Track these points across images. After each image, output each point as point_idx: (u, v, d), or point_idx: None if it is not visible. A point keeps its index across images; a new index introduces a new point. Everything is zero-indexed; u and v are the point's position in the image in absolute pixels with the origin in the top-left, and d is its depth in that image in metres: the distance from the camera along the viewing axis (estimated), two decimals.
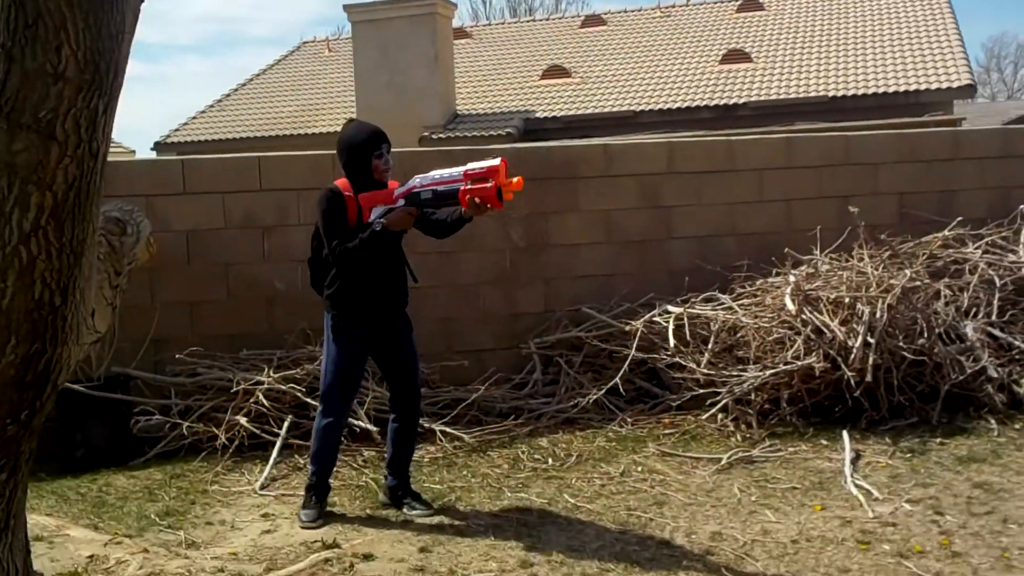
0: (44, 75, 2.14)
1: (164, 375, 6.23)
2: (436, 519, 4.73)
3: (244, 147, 18.23)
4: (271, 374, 5.99)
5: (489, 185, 4.25)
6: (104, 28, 2.20)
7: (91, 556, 4.36)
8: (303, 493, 4.93)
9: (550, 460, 5.62)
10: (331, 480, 4.95)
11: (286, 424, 5.83)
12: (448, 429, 6.02)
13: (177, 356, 6.12)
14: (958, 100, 16.93)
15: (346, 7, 17.62)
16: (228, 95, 21.71)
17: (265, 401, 5.82)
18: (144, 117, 62.49)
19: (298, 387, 5.92)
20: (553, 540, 4.38)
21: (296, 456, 5.77)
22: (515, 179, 4.31)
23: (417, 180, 4.45)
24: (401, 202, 4.47)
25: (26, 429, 2.60)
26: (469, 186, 4.28)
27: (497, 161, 4.29)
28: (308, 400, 5.87)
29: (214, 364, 6.22)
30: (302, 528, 4.69)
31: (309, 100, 20.46)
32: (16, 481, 2.70)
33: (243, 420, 5.82)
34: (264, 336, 6.52)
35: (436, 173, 4.42)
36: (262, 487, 5.35)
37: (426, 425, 6.04)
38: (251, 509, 5.06)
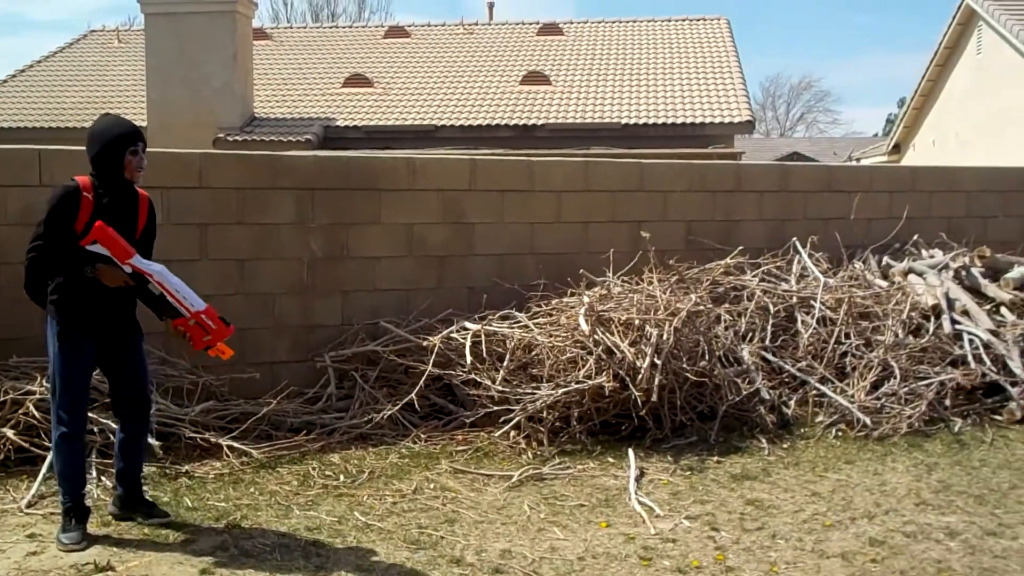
0: None
1: None
2: (219, 539, 4.53)
3: (24, 138, 17.02)
4: (44, 383, 5.57)
5: (207, 338, 4.49)
6: None
7: None
8: (61, 516, 4.61)
9: (342, 477, 5.52)
10: (88, 500, 4.69)
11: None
12: (235, 444, 5.80)
13: None
14: (738, 134, 18.02)
15: None
16: (5, 80, 20.21)
17: (36, 412, 5.41)
18: None
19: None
20: (342, 560, 4.30)
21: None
22: (227, 351, 4.62)
23: (158, 271, 4.42)
24: (127, 269, 4.35)
25: None
26: (191, 323, 4.45)
27: (229, 328, 4.55)
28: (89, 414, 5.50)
29: None
30: (64, 552, 4.38)
31: (96, 92, 19.35)
32: None
33: (10, 433, 5.38)
34: (37, 341, 6.03)
35: (179, 284, 4.45)
36: (29, 505, 4.97)
37: (212, 440, 5.81)
38: (15, 529, 4.69)
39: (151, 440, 5.51)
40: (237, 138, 16.16)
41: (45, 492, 5.15)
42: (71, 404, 4.47)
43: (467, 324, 6.73)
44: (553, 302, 7.00)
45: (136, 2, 16.87)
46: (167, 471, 5.50)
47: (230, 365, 6.37)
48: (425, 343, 6.57)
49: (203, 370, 6.30)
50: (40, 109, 18.74)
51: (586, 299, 6.67)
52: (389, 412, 6.27)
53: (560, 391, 6.08)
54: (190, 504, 5.02)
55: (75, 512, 4.53)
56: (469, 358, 6.36)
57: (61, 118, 18.20)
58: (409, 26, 23.07)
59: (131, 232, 4.49)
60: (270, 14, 41.66)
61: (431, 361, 6.42)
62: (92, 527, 4.63)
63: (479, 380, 6.33)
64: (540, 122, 17.05)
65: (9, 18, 66.72)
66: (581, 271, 7.04)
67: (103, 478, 5.33)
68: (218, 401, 6.23)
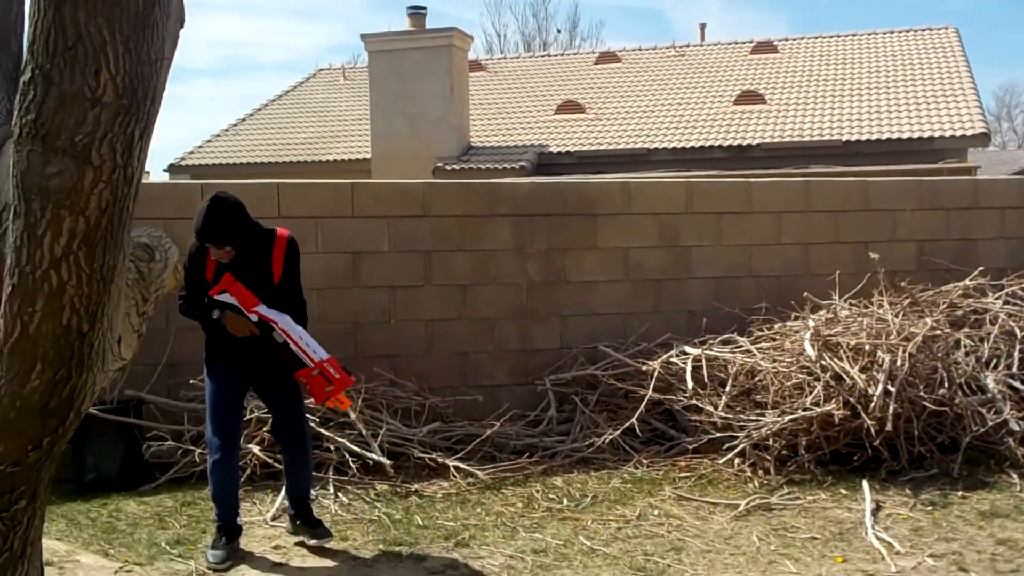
0: (82, 99, 2.11)
1: (177, 400, 6.16)
2: (449, 558, 4.64)
3: (258, 172, 18.26)
4: None
5: (329, 388, 4.64)
6: (144, 53, 2.16)
7: None
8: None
9: (565, 500, 5.53)
10: (240, 520, 4.90)
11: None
12: (462, 465, 5.95)
13: (191, 381, 6.05)
14: (972, 148, 16.91)
15: (363, 36, 17.72)
16: (243, 119, 21.78)
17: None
18: (157, 139, 62.87)
19: (312, 417, 5.84)
20: None
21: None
22: (346, 400, 4.85)
23: (283, 321, 4.58)
24: (254, 317, 4.56)
25: (47, 456, 2.55)
26: (314, 373, 4.59)
27: (350, 379, 4.70)
28: (322, 431, 5.82)
29: None
30: (208, 569, 4.58)
31: (324, 127, 20.53)
32: (34, 509, 2.64)
33: (256, 448, 5.75)
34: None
35: (302, 333, 4.62)
36: (273, 518, 5.27)
37: (439, 460, 5.97)
38: (262, 540, 4.99)
39: (382, 459, 5.75)
40: (455, 167, 16.70)
41: (287, 506, 5.45)
42: (216, 430, 4.71)
43: (687, 348, 6.62)
44: (776, 326, 6.77)
45: (360, 40, 17.82)
46: (398, 489, 5.70)
47: (453, 388, 6.58)
48: (644, 367, 6.50)
49: (429, 392, 6.51)
50: (274, 145, 20.06)
51: (811, 323, 6.41)
52: (610, 436, 6.25)
53: (787, 418, 5.86)
54: (420, 522, 5.18)
55: (225, 531, 4.76)
56: (690, 383, 6.25)
57: (293, 153, 19.40)
58: (620, 51, 23.13)
59: (267, 277, 4.64)
60: (484, 46, 42.92)
61: (651, 386, 6.35)
62: (331, 542, 4.85)
63: (701, 406, 6.20)
64: (755, 142, 16.64)
65: (241, 62, 72.04)
66: (805, 294, 6.78)
67: (339, 494, 5.60)
68: (443, 423, 6.41)
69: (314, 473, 5.70)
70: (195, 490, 5.71)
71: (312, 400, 4.77)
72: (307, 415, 5.83)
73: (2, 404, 2.40)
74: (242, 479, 5.65)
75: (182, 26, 2.46)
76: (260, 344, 4.62)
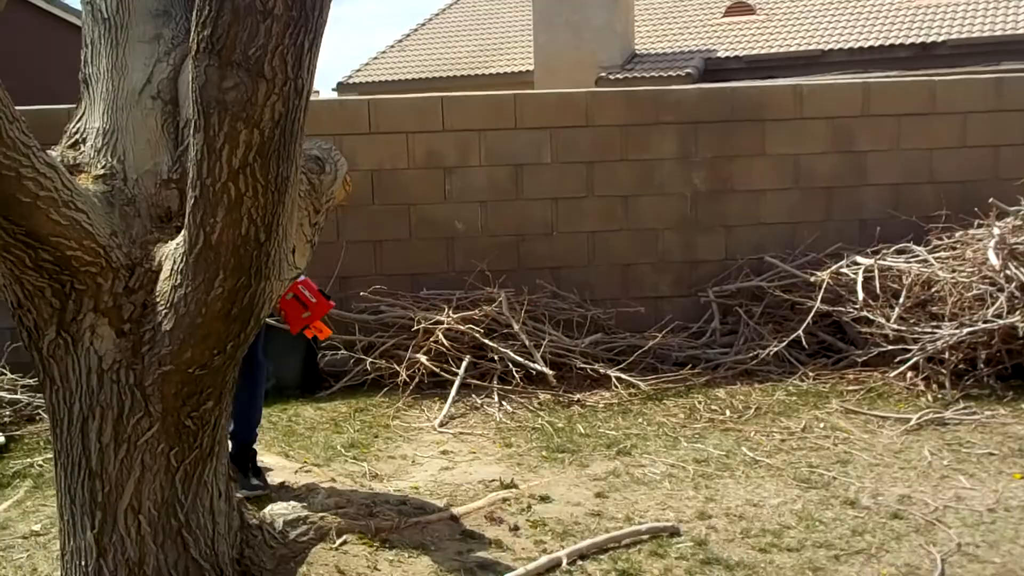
0: (253, 12, 2.17)
1: (349, 312, 6.42)
2: (611, 465, 4.70)
3: (423, 87, 18.45)
4: (450, 314, 6.08)
5: (305, 315, 4.26)
6: None
7: (282, 483, 4.57)
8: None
9: (727, 412, 5.49)
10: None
11: (464, 364, 5.92)
12: (623, 376, 5.98)
13: (361, 294, 6.28)
14: None
15: None
16: (408, 35, 21.98)
17: (445, 341, 5.92)
18: (326, 58, 64.31)
19: (476, 328, 5.99)
20: (731, 493, 4.29)
21: (473, 396, 5.86)
22: (326, 330, 4.33)
23: None
24: None
25: (231, 360, 2.71)
26: (288, 297, 4.24)
27: (329, 303, 4.31)
28: (486, 341, 5.95)
29: (396, 303, 6.36)
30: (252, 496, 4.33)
31: (487, 40, 20.50)
32: (221, 409, 2.82)
33: (423, 359, 5.95)
34: (444, 276, 6.62)
35: None
36: (441, 424, 5.47)
37: (601, 371, 6.02)
38: (431, 445, 5.18)
39: (545, 369, 5.84)
40: (618, 76, 16.39)
41: (454, 413, 5.65)
42: None
43: (858, 259, 6.37)
44: (957, 234, 6.41)
45: None
46: (560, 399, 5.79)
47: (615, 299, 6.58)
48: (812, 279, 6.32)
49: (591, 304, 6.54)
50: (439, 60, 20.20)
51: (996, 231, 6.04)
52: (775, 349, 6.13)
53: (965, 331, 5.58)
54: (582, 431, 5.26)
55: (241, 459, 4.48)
56: (861, 294, 6.03)
57: (457, 67, 19.49)
58: None
59: None
60: None
61: (819, 297, 6.17)
62: (496, 447, 5.00)
63: (872, 318, 5.98)
64: (940, 38, 15.57)
65: None
66: (991, 200, 6.38)
67: (503, 403, 5.74)
68: (605, 334, 6.44)
69: (476, 382, 5.90)
70: (367, 397, 5.97)
71: (289, 330, 4.35)
72: (472, 325, 6.00)
73: (189, 311, 2.56)
74: (410, 387, 5.91)
75: None
76: None
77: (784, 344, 6.14)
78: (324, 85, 34.11)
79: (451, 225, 6.66)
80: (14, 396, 5.46)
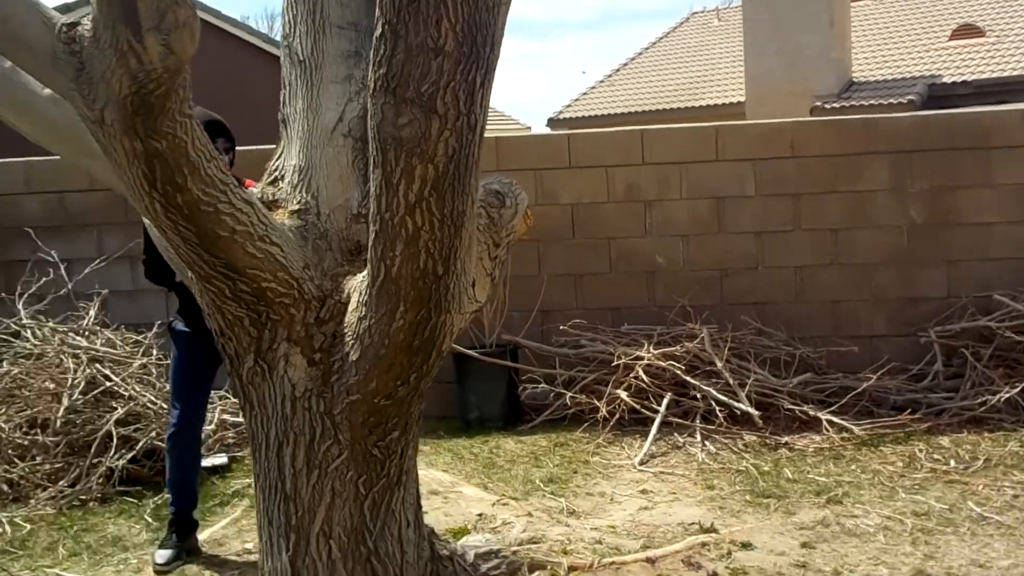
0: (425, 50, 2.19)
1: (550, 345, 6.41)
2: (820, 514, 4.42)
3: (631, 121, 18.41)
4: (651, 350, 5.96)
5: None
6: (481, 0, 2.20)
7: (480, 514, 4.59)
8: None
9: (952, 462, 5.06)
10: (195, 515, 4.34)
11: (665, 401, 5.78)
12: (835, 419, 5.64)
13: (561, 327, 6.27)
14: None
15: None
16: (617, 70, 22.09)
17: (645, 377, 5.81)
18: (538, 94, 65.65)
19: (677, 365, 5.83)
20: (954, 551, 3.93)
21: (675, 434, 5.70)
22: None
23: None
24: None
25: (415, 391, 2.73)
26: None
27: None
28: (688, 378, 5.79)
29: (596, 337, 6.29)
30: (157, 572, 4.11)
31: (697, 72, 20.27)
32: (407, 439, 2.85)
33: (623, 394, 5.84)
34: (645, 310, 6.50)
35: None
36: (641, 462, 5.35)
37: (811, 413, 5.72)
38: (630, 484, 5.07)
39: (750, 409, 5.60)
40: (834, 105, 15.75)
41: (655, 451, 5.51)
42: (184, 404, 4.20)
43: None
44: None
45: None
46: (767, 441, 5.54)
47: (825, 338, 6.25)
48: None
49: (799, 342, 6.24)
50: (649, 93, 20.14)
51: None
52: (1007, 395, 5.61)
53: None
54: (790, 476, 4.99)
55: (177, 526, 4.24)
56: None
57: (666, 100, 19.37)
58: None
59: None
60: None
61: None
62: (697, 489, 4.83)
63: None
64: None
65: (620, 11, 72.95)
66: None
67: (706, 443, 5.55)
68: (815, 374, 6.11)
69: (677, 420, 5.74)
70: (567, 431, 5.93)
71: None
72: (673, 362, 5.85)
73: (373, 342, 2.60)
74: (611, 423, 5.80)
75: None
76: None
77: (1018, 390, 5.62)
78: (538, 121, 34.89)
79: (652, 259, 6.55)
80: (236, 419, 5.78)
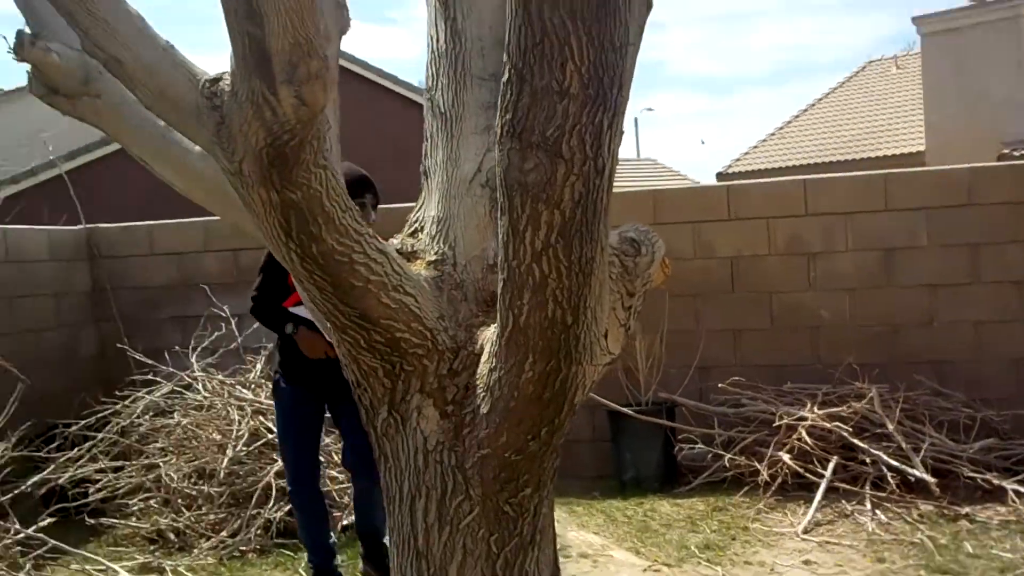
0: (550, 93, 2.13)
1: (708, 404, 6.19)
2: None
3: (803, 174, 17.92)
4: (815, 410, 5.66)
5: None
6: (607, 41, 2.13)
7: None
8: None
9: None
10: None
11: (831, 465, 5.45)
12: (1022, 488, 5.16)
13: (720, 385, 6.04)
14: None
15: (915, 19, 16.53)
16: (789, 122, 21.60)
17: (808, 439, 5.50)
18: (711, 150, 64.93)
19: (844, 426, 5.51)
20: None
21: (842, 501, 5.35)
22: None
23: None
24: None
25: (547, 447, 2.64)
26: None
27: None
28: (855, 441, 5.45)
29: (757, 396, 6.03)
30: None
31: (873, 122, 19.56)
32: (541, 497, 2.75)
33: (786, 457, 5.55)
34: (808, 368, 6.19)
35: None
36: (804, 531, 5.04)
37: (994, 481, 5.27)
38: (792, 553, 4.78)
39: (925, 476, 5.21)
40: None
41: (820, 519, 5.19)
42: (289, 461, 4.28)
43: None
44: None
45: (913, 25, 16.67)
46: (944, 511, 5.13)
47: (1010, 399, 5.78)
48: None
49: (981, 403, 5.78)
50: (819, 145, 19.57)
51: None
52: None
53: None
54: (971, 551, 4.60)
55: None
56: None
57: (839, 152, 18.75)
58: None
59: None
60: None
61: None
62: (866, 561, 4.50)
63: None
64: None
65: (798, 65, 71.74)
66: None
67: (877, 511, 5.17)
68: (999, 439, 5.64)
69: (845, 486, 5.40)
70: (727, 495, 5.67)
71: None
72: (839, 423, 5.53)
73: (503, 394, 2.54)
74: (772, 488, 5.51)
75: (649, 11, 2.41)
76: (337, 364, 4.07)
77: None
78: (707, 175, 34.40)
79: (816, 314, 6.25)
80: None
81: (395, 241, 3.00)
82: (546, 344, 2.42)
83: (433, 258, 2.92)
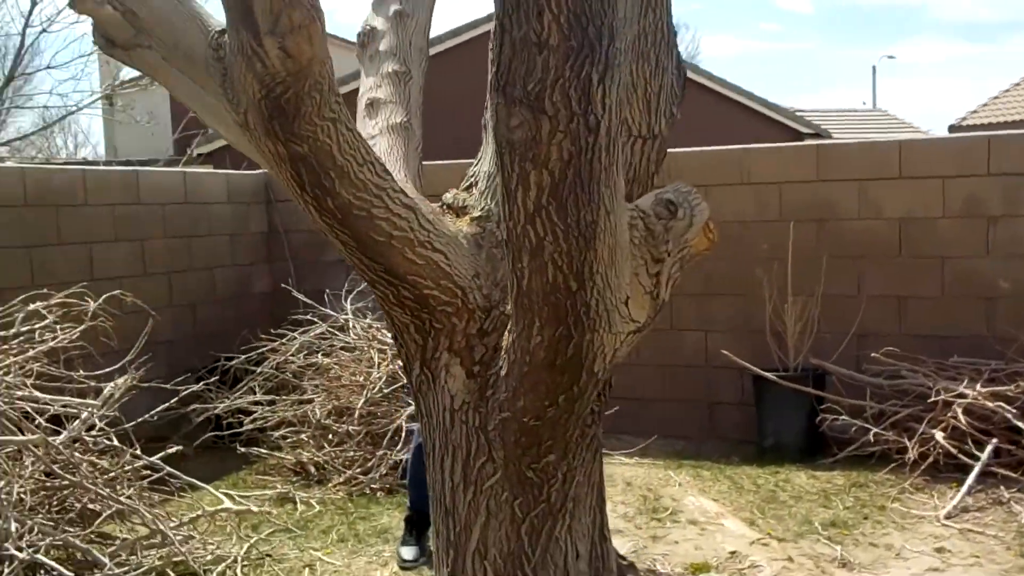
0: (528, 44, 2.02)
1: (862, 373, 5.78)
2: None
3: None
4: (978, 388, 5.16)
5: None
6: None
7: (732, 552, 4.25)
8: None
9: None
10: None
11: (989, 448, 4.97)
12: None
13: (873, 355, 5.62)
14: None
15: None
16: (1019, 83, 19.73)
17: (962, 417, 5.03)
18: (954, 99, 59.61)
19: (1008, 407, 5.00)
20: None
21: (1001, 488, 4.89)
22: None
23: None
24: None
25: (569, 414, 2.55)
26: None
27: None
28: (1020, 424, 4.94)
29: (917, 368, 5.57)
30: (401, 569, 4.20)
31: None
32: (570, 465, 2.67)
33: (939, 436, 5.11)
34: (979, 342, 5.63)
35: None
36: (947, 516, 4.64)
37: None
38: (926, 539, 4.42)
39: None
40: None
41: (970, 505, 4.77)
42: None
43: None
44: None
45: None
46: None
47: None
48: None
49: None
50: None
51: None
52: None
53: None
54: None
55: (415, 522, 4.30)
56: None
57: None
58: None
59: None
60: None
61: None
62: (1009, 555, 4.10)
63: None
64: None
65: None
66: None
67: None
68: None
69: (1003, 471, 4.93)
70: (871, 471, 5.31)
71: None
72: (1002, 403, 5.05)
73: (518, 358, 2.47)
74: (922, 467, 5.11)
75: None
76: None
77: None
78: (941, 126, 31.88)
79: (993, 284, 5.67)
80: None
81: (448, 195, 2.97)
82: (552, 310, 2.33)
83: (478, 214, 2.87)
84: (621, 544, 4.16)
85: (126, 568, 3.90)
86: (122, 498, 4.08)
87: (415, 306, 2.67)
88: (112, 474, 4.26)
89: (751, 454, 5.78)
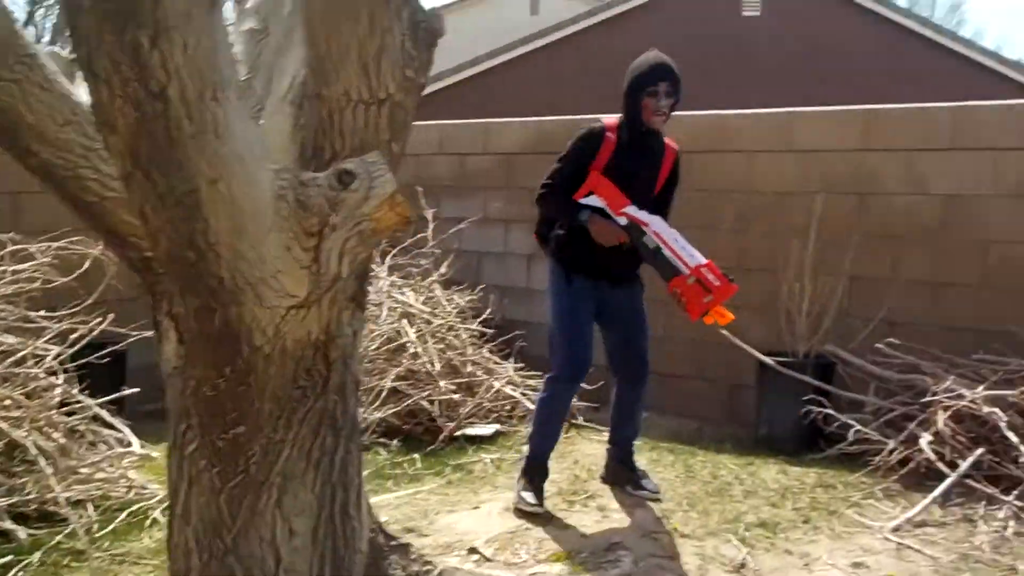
0: (71, 7, 1.95)
1: (877, 364, 5.25)
2: None
3: None
4: (979, 390, 4.58)
5: (707, 299, 3.92)
6: None
7: (613, 544, 3.97)
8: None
9: None
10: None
11: (972, 458, 4.41)
12: None
13: (876, 345, 5.10)
14: None
15: None
16: None
17: (942, 421, 4.49)
18: None
19: (1000, 415, 4.41)
20: None
21: (980, 505, 4.32)
22: (727, 313, 4.00)
23: (654, 222, 3.98)
24: (622, 220, 3.99)
25: (246, 387, 2.50)
26: (690, 281, 3.92)
27: (733, 286, 3.95)
28: (1010, 434, 4.36)
29: (935, 363, 4.99)
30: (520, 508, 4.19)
31: None
32: (268, 440, 2.60)
33: (923, 440, 4.58)
34: (1018, 339, 4.99)
35: (676, 236, 3.97)
36: (895, 529, 4.16)
37: None
38: (853, 551, 3.91)
39: None
40: None
41: (936, 519, 4.27)
42: (570, 357, 4.12)
43: None
44: None
45: None
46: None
47: None
48: None
49: None
50: None
51: None
52: None
53: None
54: None
55: (535, 472, 4.26)
56: None
57: None
58: None
59: (650, 186, 4.11)
60: None
61: None
62: None
63: None
64: None
65: None
66: None
67: (1013, 522, 4.13)
68: None
69: (978, 487, 4.36)
70: (847, 471, 4.82)
71: (688, 316, 4.02)
72: (996, 410, 4.48)
73: (184, 327, 2.45)
74: (901, 472, 4.63)
75: None
76: (624, 255, 4.02)
77: None
78: None
79: None
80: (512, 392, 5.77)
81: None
82: (184, 281, 2.30)
83: None
84: (498, 526, 4.05)
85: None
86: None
87: (140, 267, 2.69)
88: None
89: (743, 442, 5.43)
